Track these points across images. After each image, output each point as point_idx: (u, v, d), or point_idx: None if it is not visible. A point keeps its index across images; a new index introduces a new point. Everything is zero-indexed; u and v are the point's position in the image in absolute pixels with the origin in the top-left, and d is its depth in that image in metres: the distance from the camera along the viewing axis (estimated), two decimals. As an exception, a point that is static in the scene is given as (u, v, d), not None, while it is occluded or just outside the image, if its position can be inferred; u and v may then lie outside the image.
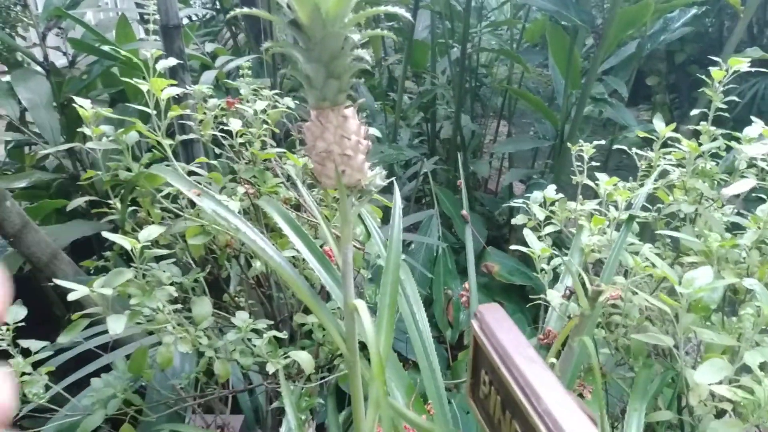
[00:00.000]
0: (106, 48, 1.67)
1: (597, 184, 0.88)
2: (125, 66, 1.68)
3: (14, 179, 1.81)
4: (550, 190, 0.90)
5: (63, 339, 0.69)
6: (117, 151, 0.86)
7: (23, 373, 0.78)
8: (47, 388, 0.78)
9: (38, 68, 1.89)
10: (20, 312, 0.79)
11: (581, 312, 0.60)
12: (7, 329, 0.78)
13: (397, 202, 0.61)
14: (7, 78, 1.88)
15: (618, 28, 1.77)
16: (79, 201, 0.91)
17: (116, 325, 0.66)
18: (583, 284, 0.63)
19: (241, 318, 0.76)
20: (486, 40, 2.87)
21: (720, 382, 0.62)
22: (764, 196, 0.74)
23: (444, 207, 2.30)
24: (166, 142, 0.83)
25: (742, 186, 0.70)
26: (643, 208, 0.84)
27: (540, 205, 0.92)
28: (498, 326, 0.46)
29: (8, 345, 0.78)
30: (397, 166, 2.56)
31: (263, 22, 1.69)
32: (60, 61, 2.06)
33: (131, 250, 0.70)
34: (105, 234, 0.72)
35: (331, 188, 0.45)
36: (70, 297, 0.65)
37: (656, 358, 0.81)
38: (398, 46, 3.06)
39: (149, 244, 0.72)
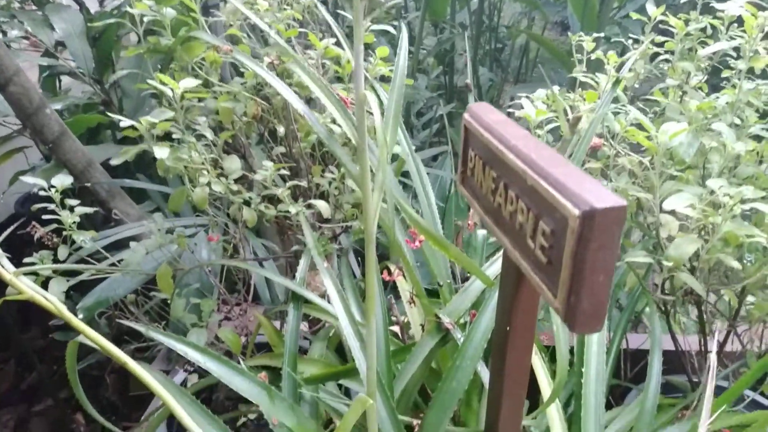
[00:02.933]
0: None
1: (597, 82, 0.96)
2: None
3: (50, 101, 1.92)
4: (555, 89, 0.98)
5: (116, 161, 0.80)
6: (155, 30, 0.96)
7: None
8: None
9: (71, 2, 2.00)
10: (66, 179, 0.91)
11: (562, 138, 0.68)
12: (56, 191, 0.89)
13: (404, 41, 0.70)
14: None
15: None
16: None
17: (162, 152, 0.76)
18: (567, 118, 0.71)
19: (267, 165, 0.86)
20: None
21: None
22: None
23: (458, 148, 2.37)
24: (203, 19, 0.93)
25: (717, 46, 0.77)
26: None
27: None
28: (491, 113, 0.54)
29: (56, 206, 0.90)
30: (413, 115, 2.64)
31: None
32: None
33: (172, 94, 0.80)
34: (150, 82, 0.81)
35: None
36: (122, 124, 0.75)
37: (636, 220, 0.89)
38: (418, 4, 3.12)
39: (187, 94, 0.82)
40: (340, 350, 0.99)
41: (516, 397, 0.58)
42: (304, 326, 1.12)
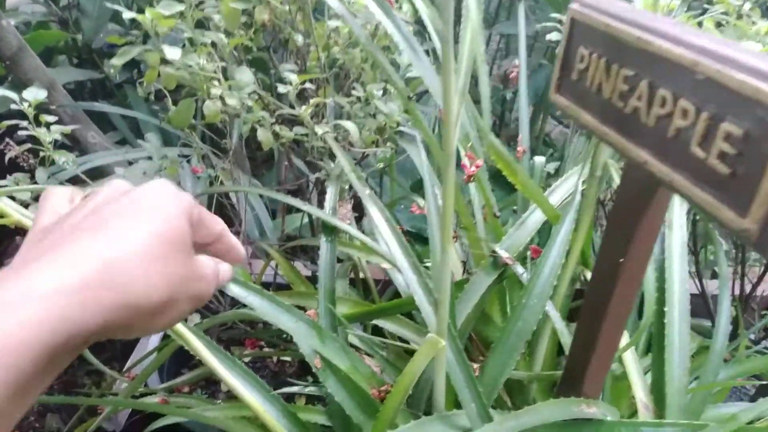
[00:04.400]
0: None
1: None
2: None
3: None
4: None
5: (117, 61, 0.67)
6: None
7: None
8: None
9: None
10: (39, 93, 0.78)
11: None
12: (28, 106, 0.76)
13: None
14: None
15: None
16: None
17: (172, 53, 0.63)
18: None
19: (291, 78, 0.74)
20: None
21: None
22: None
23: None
24: None
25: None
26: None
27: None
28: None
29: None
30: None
31: None
32: None
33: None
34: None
35: None
36: (126, 16, 0.62)
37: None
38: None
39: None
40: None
41: (613, 337, 0.51)
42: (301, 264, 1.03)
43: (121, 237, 0.29)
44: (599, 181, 0.62)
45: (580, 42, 0.47)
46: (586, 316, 0.52)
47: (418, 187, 1.41)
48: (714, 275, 1.24)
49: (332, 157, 0.87)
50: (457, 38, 0.50)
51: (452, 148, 0.49)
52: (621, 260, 0.46)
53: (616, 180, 0.61)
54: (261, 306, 0.53)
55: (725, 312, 0.68)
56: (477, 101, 0.76)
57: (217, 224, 0.36)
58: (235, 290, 0.52)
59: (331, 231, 0.71)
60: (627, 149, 0.42)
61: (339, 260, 0.90)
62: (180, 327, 0.60)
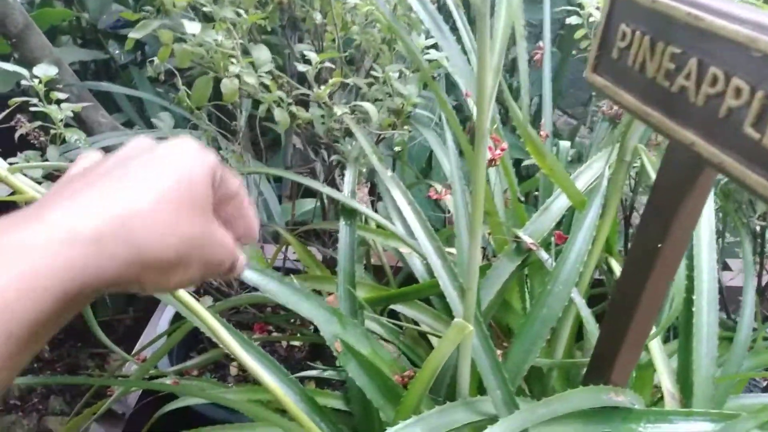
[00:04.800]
0: None
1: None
2: None
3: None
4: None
5: (136, 34, 0.65)
6: None
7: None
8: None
9: None
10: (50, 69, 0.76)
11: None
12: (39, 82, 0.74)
13: None
14: None
15: None
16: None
17: (193, 27, 0.62)
18: None
19: (311, 56, 0.72)
20: None
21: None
22: None
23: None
24: None
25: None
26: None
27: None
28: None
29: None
30: None
31: None
32: None
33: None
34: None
35: None
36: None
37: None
38: None
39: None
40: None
41: (645, 325, 0.50)
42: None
43: (141, 192, 0.28)
44: (628, 167, 0.61)
45: (621, 19, 0.46)
46: (618, 304, 0.50)
47: (425, 174, 1.40)
48: (726, 267, 1.23)
49: (347, 139, 0.86)
50: (492, 12, 0.48)
51: (486, 128, 0.47)
52: (659, 245, 0.45)
53: (647, 165, 0.60)
54: (279, 292, 0.52)
55: (750, 302, 0.67)
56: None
57: (236, 181, 0.35)
58: (253, 277, 0.51)
59: (350, 214, 0.70)
60: (672, 130, 0.41)
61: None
62: (198, 307, 0.59)
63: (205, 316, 0.57)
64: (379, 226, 0.70)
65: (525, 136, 0.56)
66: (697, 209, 0.44)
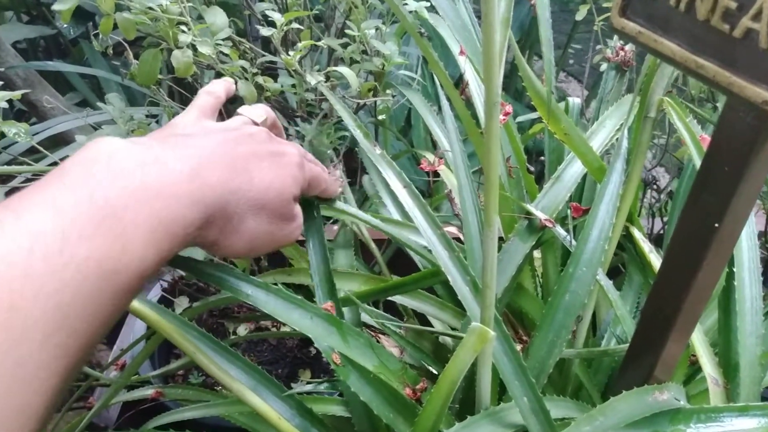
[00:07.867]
0: None
1: None
2: None
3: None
4: None
5: (59, 6, 0.54)
6: None
7: None
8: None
9: None
10: None
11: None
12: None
13: None
14: None
15: None
16: None
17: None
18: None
19: (275, 17, 0.62)
20: None
21: None
22: None
23: None
24: None
25: None
26: None
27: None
28: None
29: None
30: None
31: None
32: None
33: None
34: None
35: None
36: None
37: None
38: None
39: None
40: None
41: (694, 314, 0.43)
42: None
43: (262, 192, 0.39)
44: (653, 124, 0.53)
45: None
46: (662, 292, 0.43)
47: (404, 133, 1.29)
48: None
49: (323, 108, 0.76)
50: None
51: (497, 94, 0.38)
52: (716, 225, 0.37)
53: (677, 123, 0.52)
54: (267, 302, 0.43)
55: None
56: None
57: (321, 175, 0.47)
58: (234, 284, 0.43)
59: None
60: (735, 85, 0.33)
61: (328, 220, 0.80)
62: (164, 322, 0.50)
63: (170, 332, 0.49)
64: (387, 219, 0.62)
65: (535, 98, 0.47)
66: (761, 180, 0.37)
